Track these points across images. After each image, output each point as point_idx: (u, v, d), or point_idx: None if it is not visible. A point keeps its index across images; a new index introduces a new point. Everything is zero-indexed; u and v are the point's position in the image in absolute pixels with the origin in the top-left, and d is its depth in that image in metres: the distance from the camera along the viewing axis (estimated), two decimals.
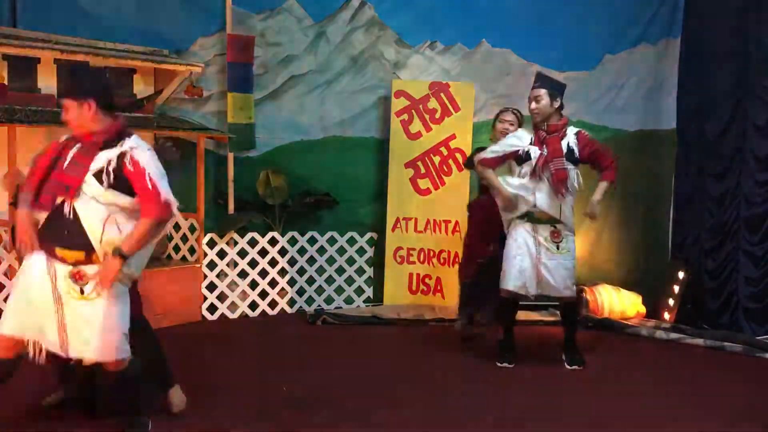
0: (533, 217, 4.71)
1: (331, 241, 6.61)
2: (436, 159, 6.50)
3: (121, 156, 3.20)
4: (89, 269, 3.21)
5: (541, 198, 4.67)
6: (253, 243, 6.26)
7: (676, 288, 6.22)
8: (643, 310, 6.26)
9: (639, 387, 4.61)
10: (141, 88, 5.86)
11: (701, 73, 6.33)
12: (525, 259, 4.67)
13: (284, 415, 3.91)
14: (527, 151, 4.68)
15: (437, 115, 6.51)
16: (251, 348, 5.40)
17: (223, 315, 6.10)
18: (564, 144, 4.70)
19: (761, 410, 4.22)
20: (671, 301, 6.21)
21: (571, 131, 4.78)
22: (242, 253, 6.19)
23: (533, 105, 4.74)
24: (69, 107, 3.22)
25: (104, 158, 3.19)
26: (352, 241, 6.65)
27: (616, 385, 4.67)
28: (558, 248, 4.70)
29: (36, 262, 3.24)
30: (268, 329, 5.85)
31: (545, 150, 4.66)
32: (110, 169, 3.17)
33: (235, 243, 6.19)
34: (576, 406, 4.23)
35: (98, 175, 3.17)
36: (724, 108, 6.11)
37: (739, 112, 6.03)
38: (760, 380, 4.86)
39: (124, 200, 3.21)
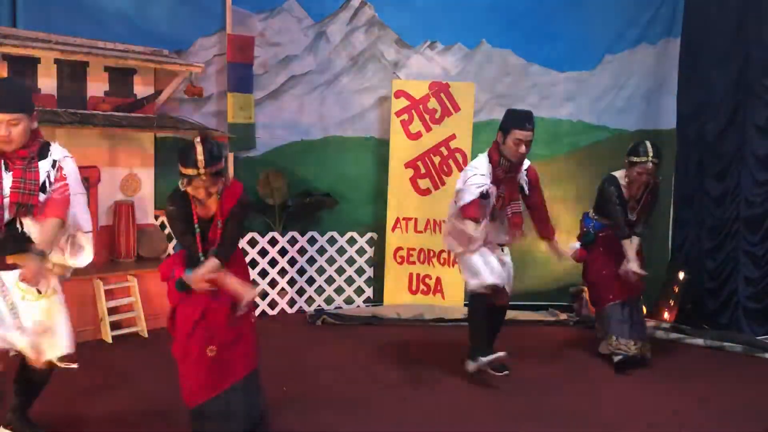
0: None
1: (331, 241, 6.61)
2: (436, 159, 6.50)
3: (54, 165, 3.28)
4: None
5: (492, 234, 4.61)
6: (253, 243, 6.26)
7: (676, 288, 6.22)
8: (643, 310, 6.26)
9: (639, 387, 4.62)
10: (141, 88, 5.86)
11: (701, 73, 6.33)
12: (491, 258, 4.59)
13: (284, 415, 3.92)
14: (487, 191, 4.46)
15: (437, 115, 6.51)
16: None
17: None
18: (518, 181, 4.61)
19: (761, 410, 4.22)
20: (671, 301, 6.21)
21: (525, 164, 4.64)
22: (242, 253, 6.18)
23: (523, 149, 4.41)
24: (16, 122, 3.13)
25: (44, 170, 3.25)
26: (352, 241, 6.65)
27: (615, 385, 4.67)
28: (502, 250, 4.73)
29: None
30: (268, 329, 5.85)
31: (502, 191, 4.53)
32: (51, 179, 3.25)
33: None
34: (576, 406, 4.23)
35: (43, 187, 3.24)
36: (724, 108, 6.11)
37: (739, 112, 6.03)
38: (760, 380, 4.86)
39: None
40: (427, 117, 6.52)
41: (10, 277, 3.24)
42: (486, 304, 4.64)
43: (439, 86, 6.53)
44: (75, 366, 3.35)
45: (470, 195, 4.44)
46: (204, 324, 3.35)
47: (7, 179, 3.17)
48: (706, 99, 6.26)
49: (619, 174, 4.96)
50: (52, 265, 3.32)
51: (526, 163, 4.66)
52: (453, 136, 6.50)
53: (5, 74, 5.07)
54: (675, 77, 6.69)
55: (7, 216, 3.18)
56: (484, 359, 4.54)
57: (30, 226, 3.23)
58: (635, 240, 4.89)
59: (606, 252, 4.98)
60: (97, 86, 5.63)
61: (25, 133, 3.17)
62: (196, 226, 3.34)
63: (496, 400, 4.32)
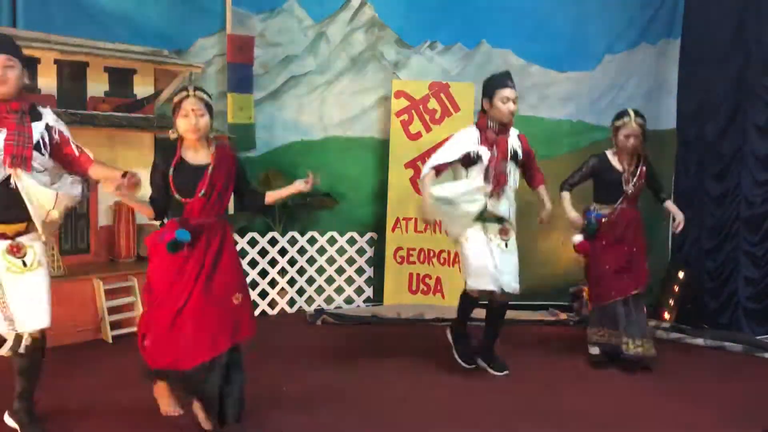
0: (483, 217, 4.60)
1: (331, 241, 6.61)
2: None
3: (48, 128, 3.37)
4: (26, 240, 3.32)
5: (491, 202, 4.58)
6: (253, 243, 6.27)
7: (676, 288, 6.22)
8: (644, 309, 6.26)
9: (639, 387, 4.61)
10: (141, 88, 5.86)
11: (701, 73, 6.33)
12: (489, 260, 4.56)
13: (284, 415, 3.91)
14: (477, 153, 4.54)
15: (437, 116, 6.51)
16: (251, 348, 5.39)
17: None
18: (510, 145, 4.63)
19: (761, 410, 4.22)
20: (671, 301, 6.21)
21: (514, 132, 4.69)
22: (242, 253, 6.19)
23: (512, 106, 4.55)
24: (12, 64, 3.20)
25: (37, 131, 3.31)
26: (352, 241, 6.65)
27: (615, 385, 4.66)
28: (506, 245, 4.64)
29: None
30: (268, 329, 5.85)
31: (495, 151, 4.55)
32: (46, 140, 3.34)
33: (235, 243, 6.19)
34: (575, 406, 4.23)
35: (37, 146, 3.29)
36: (724, 108, 6.11)
37: (739, 112, 6.03)
38: (760, 380, 4.86)
39: (54, 165, 3.40)
40: (427, 117, 6.52)
41: None
42: (476, 305, 4.75)
43: (439, 86, 6.53)
44: (43, 357, 3.39)
45: (444, 159, 4.57)
46: (179, 287, 3.40)
47: (1, 135, 3.19)
48: (706, 99, 6.25)
49: (609, 151, 4.99)
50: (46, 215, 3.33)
51: (516, 132, 4.71)
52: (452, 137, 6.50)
53: None
54: (675, 77, 6.69)
55: (2, 171, 3.19)
56: (458, 358, 4.78)
57: (25, 187, 3.22)
58: (669, 204, 5.11)
59: (609, 245, 4.91)
60: (97, 86, 5.63)
61: (19, 79, 3.23)
62: (171, 169, 3.44)
63: (495, 399, 4.32)
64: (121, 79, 5.75)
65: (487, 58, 6.83)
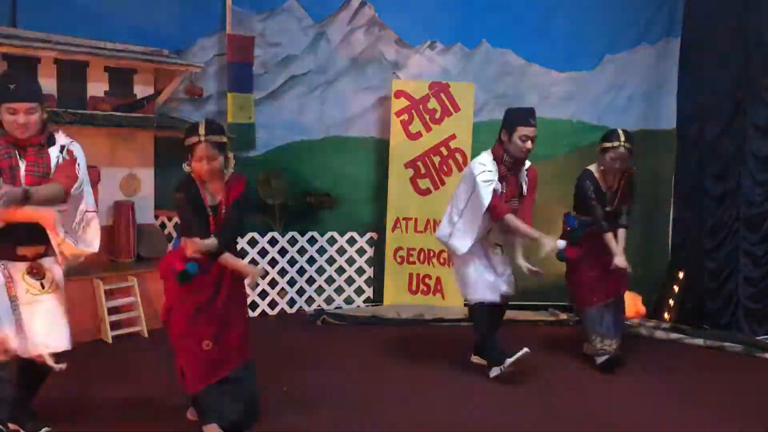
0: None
1: (331, 241, 6.61)
2: (436, 159, 6.50)
3: (62, 149, 3.42)
4: (45, 262, 3.39)
5: (494, 231, 4.65)
6: (253, 243, 6.26)
7: (676, 288, 6.22)
8: (643, 310, 6.26)
9: (639, 387, 4.61)
10: (141, 88, 5.86)
11: (701, 73, 6.32)
12: (489, 272, 4.64)
13: (284, 415, 3.92)
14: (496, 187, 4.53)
15: (437, 115, 6.51)
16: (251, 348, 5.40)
17: None
18: (519, 183, 4.64)
19: (761, 410, 4.22)
20: (671, 301, 6.21)
21: (525, 164, 4.67)
22: (242, 253, 6.18)
23: (530, 145, 4.48)
24: (33, 111, 3.28)
25: (53, 156, 3.38)
26: (352, 241, 6.65)
27: (615, 385, 4.66)
28: (501, 251, 4.72)
29: None
30: (268, 329, 5.85)
31: (504, 188, 4.56)
32: (61, 161, 3.39)
33: (235, 243, 6.19)
34: (576, 406, 4.23)
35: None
36: (724, 108, 6.11)
37: (739, 112, 6.03)
38: (760, 380, 4.86)
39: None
40: (427, 117, 6.52)
41: (17, 270, 3.33)
42: (486, 310, 4.70)
43: (439, 86, 6.53)
44: (64, 366, 3.37)
45: (487, 194, 4.46)
46: (200, 319, 3.52)
47: (22, 166, 3.29)
48: (706, 99, 6.25)
49: (593, 167, 4.92)
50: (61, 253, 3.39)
51: (527, 163, 4.67)
52: (453, 137, 6.51)
53: None
54: (675, 77, 6.68)
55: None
56: (510, 359, 4.55)
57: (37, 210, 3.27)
58: (621, 232, 4.86)
59: (592, 252, 4.88)
60: (97, 86, 5.63)
61: (39, 121, 3.32)
62: (208, 208, 3.50)
63: (495, 399, 4.32)
64: (121, 79, 5.75)
65: (487, 58, 6.84)
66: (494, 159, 4.56)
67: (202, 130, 3.42)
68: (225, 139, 3.52)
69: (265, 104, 6.61)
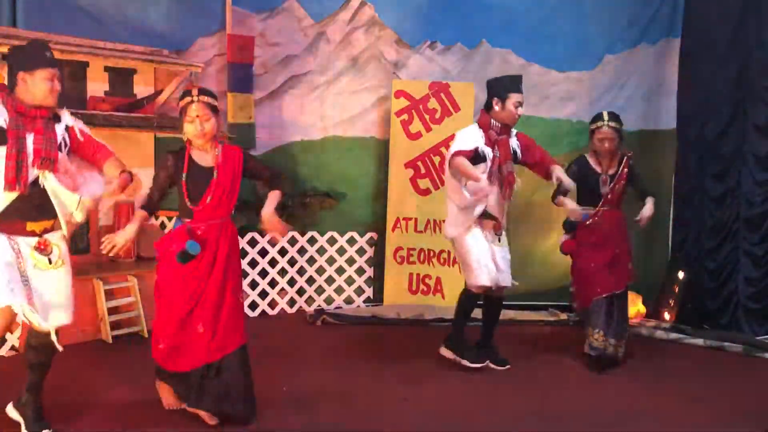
0: (484, 216, 4.67)
1: (331, 241, 6.61)
2: (436, 159, 6.50)
3: (68, 129, 3.54)
4: (53, 238, 3.44)
5: (492, 199, 4.63)
6: (253, 243, 6.27)
7: (676, 288, 6.22)
8: (643, 310, 6.26)
9: (639, 387, 4.61)
10: (141, 88, 5.86)
11: (701, 73, 6.32)
12: (488, 257, 4.64)
13: (284, 415, 3.92)
14: (483, 151, 4.57)
15: (437, 115, 6.51)
16: (251, 348, 5.38)
17: None
18: (511, 146, 4.68)
19: (761, 410, 4.22)
20: (671, 301, 6.21)
21: (512, 132, 4.74)
22: (242, 253, 6.18)
23: (521, 110, 4.63)
24: (56, 78, 3.45)
25: (59, 133, 3.47)
26: (352, 241, 6.65)
27: (616, 384, 4.66)
28: (500, 240, 4.74)
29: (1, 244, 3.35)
30: (268, 329, 5.85)
31: (497, 152, 4.60)
32: (66, 140, 3.50)
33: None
34: (576, 406, 4.23)
35: (59, 147, 3.45)
36: (724, 108, 6.11)
37: (739, 112, 6.03)
38: (760, 380, 4.86)
39: (69, 163, 3.52)
40: (427, 117, 6.52)
41: (25, 244, 3.38)
42: (476, 302, 4.79)
43: (439, 86, 6.53)
44: (60, 348, 3.47)
45: (464, 145, 4.54)
46: (193, 298, 3.57)
47: (29, 138, 3.34)
48: (706, 99, 6.25)
49: (589, 155, 5.02)
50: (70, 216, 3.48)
51: (513, 130, 4.74)
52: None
53: (5, 74, 5.06)
54: (675, 77, 6.68)
55: (32, 172, 3.32)
56: (468, 363, 4.74)
57: (52, 188, 3.37)
58: (650, 200, 5.02)
59: (594, 243, 4.91)
60: (97, 86, 5.63)
61: (59, 90, 3.48)
62: (184, 174, 3.57)
63: (495, 399, 4.32)
64: (121, 79, 5.74)
65: (487, 58, 6.83)
66: (480, 128, 4.64)
67: (195, 92, 3.57)
68: (216, 103, 3.62)
69: (265, 104, 6.61)
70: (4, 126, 3.31)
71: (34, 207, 3.38)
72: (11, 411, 3.59)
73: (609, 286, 4.90)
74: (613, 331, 4.90)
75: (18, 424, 3.55)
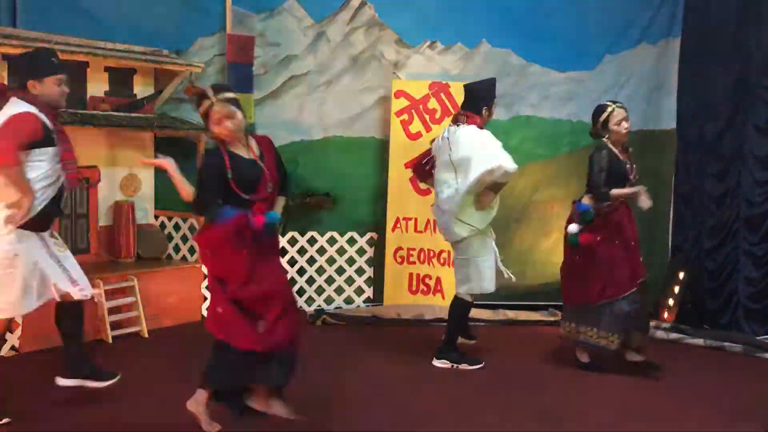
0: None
1: (331, 241, 6.61)
2: None
3: None
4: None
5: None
6: None
7: (676, 288, 6.22)
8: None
9: (639, 387, 4.61)
10: (141, 88, 5.86)
11: (701, 73, 6.33)
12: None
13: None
14: None
15: (437, 115, 6.51)
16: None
17: None
18: None
19: (761, 410, 4.22)
20: (671, 301, 6.21)
21: None
22: None
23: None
24: (64, 82, 3.64)
25: None
26: (352, 241, 6.65)
27: (615, 384, 4.66)
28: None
29: (32, 242, 3.62)
30: None
31: None
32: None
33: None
34: (575, 406, 4.23)
35: None
36: (724, 108, 6.11)
37: (739, 112, 6.03)
38: (760, 380, 4.86)
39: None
40: (427, 117, 6.52)
41: (47, 235, 3.73)
42: (471, 307, 4.97)
43: (439, 86, 6.53)
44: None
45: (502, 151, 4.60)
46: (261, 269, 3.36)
47: (60, 147, 3.63)
48: (706, 99, 6.25)
49: (609, 144, 4.78)
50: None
51: None
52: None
53: (5, 74, 5.07)
54: (675, 77, 6.68)
55: (61, 178, 3.68)
56: (469, 366, 4.84)
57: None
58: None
59: (608, 236, 4.73)
60: (97, 86, 5.64)
61: None
62: (228, 171, 3.34)
63: (495, 400, 4.32)
64: (121, 79, 5.75)
65: (487, 58, 6.83)
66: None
67: (210, 93, 3.36)
68: (234, 95, 3.45)
69: (265, 104, 6.61)
70: (51, 128, 3.51)
71: (60, 210, 3.79)
72: (65, 382, 3.84)
73: (623, 286, 4.68)
74: (606, 326, 4.71)
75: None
